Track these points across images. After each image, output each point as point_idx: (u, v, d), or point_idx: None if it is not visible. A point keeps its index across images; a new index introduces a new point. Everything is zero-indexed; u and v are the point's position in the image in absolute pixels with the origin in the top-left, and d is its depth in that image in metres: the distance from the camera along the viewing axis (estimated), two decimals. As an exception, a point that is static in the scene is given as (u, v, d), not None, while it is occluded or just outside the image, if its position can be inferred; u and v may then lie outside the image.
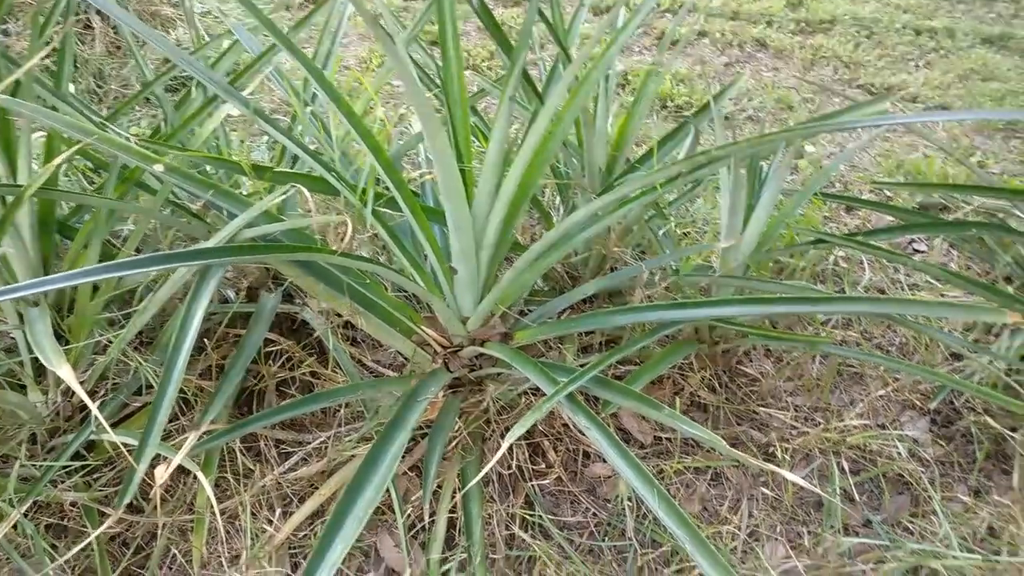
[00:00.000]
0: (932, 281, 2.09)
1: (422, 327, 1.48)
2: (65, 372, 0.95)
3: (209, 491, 1.13)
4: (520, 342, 1.51)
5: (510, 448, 1.53)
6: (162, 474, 1.07)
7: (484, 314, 1.44)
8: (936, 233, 1.96)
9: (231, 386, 1.27)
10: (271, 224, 1.28)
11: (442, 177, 1.19)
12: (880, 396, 1.84)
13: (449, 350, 1.50)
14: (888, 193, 2.41)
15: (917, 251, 2.24)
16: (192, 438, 1.10)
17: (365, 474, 1.12)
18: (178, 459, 1.08)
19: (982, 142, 2.81)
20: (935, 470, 1.71)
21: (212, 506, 1.24)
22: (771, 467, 1.16)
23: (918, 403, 1.83)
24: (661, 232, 1.77)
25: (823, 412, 1.80)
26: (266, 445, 1.51)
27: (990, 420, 1.75)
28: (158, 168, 1.21)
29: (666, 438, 1.68)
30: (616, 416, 1.71)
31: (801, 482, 1.22)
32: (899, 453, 1.70)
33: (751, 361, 1.83)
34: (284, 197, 1.27)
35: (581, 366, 1.33)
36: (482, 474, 1.19)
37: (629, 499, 1.51)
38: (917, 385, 1.86)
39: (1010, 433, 1.71)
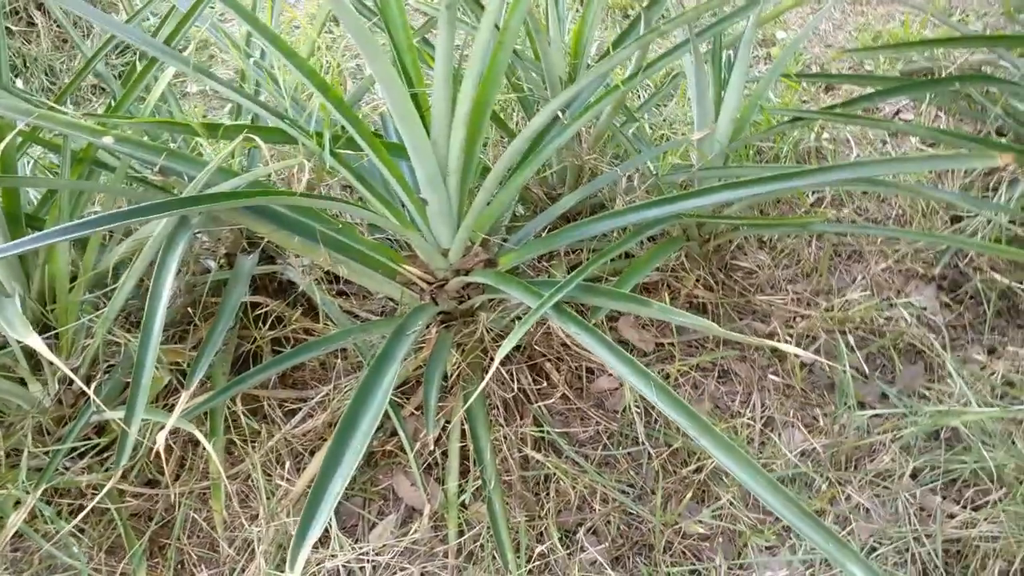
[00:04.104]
0: (923, 148, 2.03)
1: (404, 266, 1.46)
2: (34, 341, 0.94)
3: (210, 450, 1.14)
4: (505, 266, 1.48)
5: (512, 372, 1.53)
6: (161, 439, 1.07)
7: (463, 243, 1.42)
8: (919, 93, 1.90)
9: (216, 344, 1.27)
10: (231, 179, 1.26)
11: (391, 102, 1.16)
12: (882, 270, 1.80)
13: (435, 285, 1.48)
14: (868, 67, 2.33)
15: (904, 121, 2.18)
16: (184, 397, 1.10)
17: (357, 408, 1.11)
18: (172, 420, 1.07)
19: (959, 1, 2.70)
20: (946, 335, 1.68)
21: (219, 469, 1.25)
22: (770, 343, 1.14)
23: (921, 271, 1.79)
24: (631, 132, 1.73)
25: (824, 295, 1.77)
26: (269, 406, 1.52)
27: (998, 276, 1.71)
28: (107, 140, 1.19)
29: (668, 343, 1.67)
30: (615, 329, 1.69)
31: (803, 353, 1.20)
32: (907, 322, 1.68)
33: (745, 255, 1.80)
34: (240, 151, 1.25)
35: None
36: (480, 389, 1.18)
37: (637, 406, 1.50)
38: (919, 254, 1.82)
39: (1019, 286, 1.67)
